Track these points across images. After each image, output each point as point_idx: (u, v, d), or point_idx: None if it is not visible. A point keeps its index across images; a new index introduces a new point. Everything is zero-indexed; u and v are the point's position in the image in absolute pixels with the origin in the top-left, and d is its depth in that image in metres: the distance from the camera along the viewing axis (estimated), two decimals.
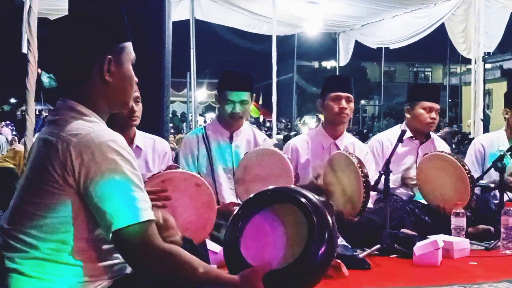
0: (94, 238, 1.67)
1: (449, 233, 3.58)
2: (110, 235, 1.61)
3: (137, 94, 3.14)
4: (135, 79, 1.82)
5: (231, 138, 3.85)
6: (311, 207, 1.99)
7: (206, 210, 2.85)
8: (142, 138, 3.42)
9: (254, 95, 3.86)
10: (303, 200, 2.02)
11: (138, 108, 3.17)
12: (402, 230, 3.64)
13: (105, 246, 1.70)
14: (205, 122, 20.63)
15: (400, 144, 3.48)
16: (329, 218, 1.99)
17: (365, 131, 17.77)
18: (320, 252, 1.89)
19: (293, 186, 2.23)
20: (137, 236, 1.60)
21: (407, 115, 4.35)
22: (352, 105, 3.99)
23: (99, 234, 1.67)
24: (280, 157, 3.45)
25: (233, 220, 2.14)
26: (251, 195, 2.22)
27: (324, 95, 4.04)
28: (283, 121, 28.04)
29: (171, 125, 18.79)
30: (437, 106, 4.27)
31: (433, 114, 4.24)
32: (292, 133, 16.12)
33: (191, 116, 16.04)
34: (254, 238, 2.05)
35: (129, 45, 1.79)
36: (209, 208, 2.86)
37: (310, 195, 2.07)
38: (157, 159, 3.45)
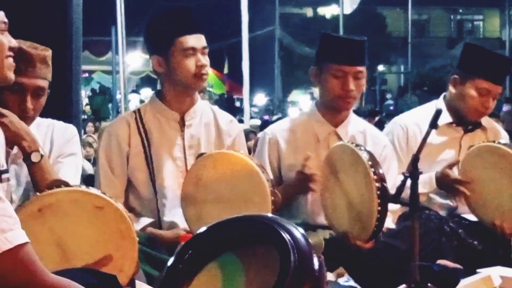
0: None
1: (510, 265, 3.61)
2: None
3: (40, 83, 3.17)
4: (14, 44, 1.81)
5: (182, 123, 3.82)
6: (291, 246, 1.98)
7: (120, 244, 2.81)
8: (38, 128, 3.41)
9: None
10: (284, 236, 2.01)
11: (36, 103, 3.21)
12: (439, 261, 3.66)
13: None
14: (141, 102, 20.57)
15: (433, 131, 3.49)
16: (315, 263, 1.99)
17: (383, 114, 17.87)
18: None
19: (269, 214, 2.22)
20: (5, 272, 1.60)
21: (451, 89, 4.36)
22: (363, 81, 3.98)
23: None
24: (252, 171, 3.42)
25: (171, 271, 2.12)
26: (202, 230, 2.20)
27: (321, 62, 4.00)
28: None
29: (88, 107, 18.73)
30: (498, 89, 4.28)
31: (489, 100, 4.26)
32: (275, 117, 16.15)
33: (120, 93, 15.95)
34: None
35: None
36: (125, 239, 2.82)
37: (294, 229, 2.06)
38: (57, 151, 3.44)
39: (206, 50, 3.74)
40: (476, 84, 4.23)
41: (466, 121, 4.36)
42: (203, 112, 3.87)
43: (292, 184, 3.86)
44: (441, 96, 4.47)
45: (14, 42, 2.40)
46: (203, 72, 3.71)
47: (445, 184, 4.11)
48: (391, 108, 25.41)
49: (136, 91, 27.84)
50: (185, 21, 3.76)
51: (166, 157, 3.75)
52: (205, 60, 3.72)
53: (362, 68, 3.94)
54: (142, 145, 3.75)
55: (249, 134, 8.72)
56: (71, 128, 3.54)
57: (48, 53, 3.21)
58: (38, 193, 2.80)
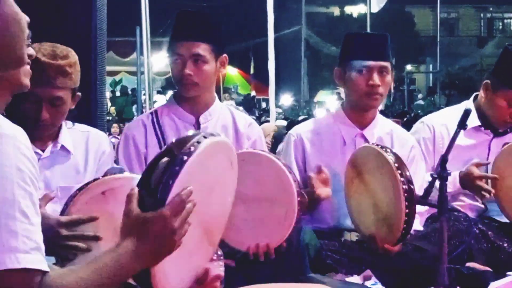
0: None
1: None
2: None
3: (56, 93, 3.14)
4: (32, 52, 1.87)
5: (197, 125, 3.84)
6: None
7: None
8: (71, 133, 3.44)
9: (225, 55, 3.81)
10: None
11: (55, 112, 3.19)
12: (469, 264, 3.65)
13: None
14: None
15: (462, 133, 3.48)
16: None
17: (412, 114, 17.77)
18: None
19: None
20: None
21: (482, 94, 4.33)
22: (388, 78, 3.97)
23: None
24: (279, 171, 3.41)
25: None
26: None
27: (344, 62, 4.01)
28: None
29: (112, 109, 18.72)
30: None
31: None
32: (301, 117, 16.13)
33: (144, 94, 16.01)
34: None
35: None
36: None
37: None
38: (92, 163, 3.45)
39: (203, 59, 3.71)
40: (508, 95, 4.17)
41: (494, 126, 4.34)
42: (221, 114, 3.89)
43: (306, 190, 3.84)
44: (472, 97, 4.44)
45: (32, 51, 2.41)
46: (187, 82, 3.72)
47: (469, 182, 4.08)
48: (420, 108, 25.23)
49: (161, 92, 27.86)
50: (181, 26, 3.78)
51: None
52: (190, 68, 3.70)
53: (387, 64, 3.94)
54: (159, 146, 3.75)
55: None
56: (104, 138, 3.57)
57: (69, 61, 3.14)
58: (101, 177, 2.84)
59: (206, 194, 2.37)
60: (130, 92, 23.72)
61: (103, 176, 2.87)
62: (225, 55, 3.81)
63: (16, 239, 1.62)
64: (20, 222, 1.63)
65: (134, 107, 20.69)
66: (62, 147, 3.36)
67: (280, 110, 25.09)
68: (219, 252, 2.98)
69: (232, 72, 27.53)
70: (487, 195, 4.06)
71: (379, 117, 4.13)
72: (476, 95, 4.40)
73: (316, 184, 3.71)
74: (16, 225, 1.62)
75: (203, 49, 3.71)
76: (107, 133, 13.24)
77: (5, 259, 1.60)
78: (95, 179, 2.86)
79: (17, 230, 1.62)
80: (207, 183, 2.40)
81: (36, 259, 1.64)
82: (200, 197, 2.17)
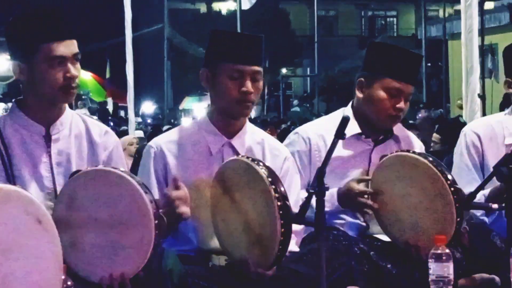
0: None
1: None
2: None
3: None
4: None
5: (47, 136, 3.77)
6: None
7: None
8: None
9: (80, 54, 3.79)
10: None
11: None
12: (349, 287, 3.69)
13: None
14: (6, 112, 20.25)
15: (340, 143, 3.53)
16: None
17: (288, 122, 17.99)
18: None
19: None
20: None
21: (358, 94, 4.41)
22: (261, 84, 3.99)
23: None
24: (133, 191, 3.38)
25: None
26: None
27: (213, 63, 4.00)
28: None
29: None
30: (409, 89, 4.35)
31: (401, 103, 4.31)
32: (165, 127, 16.10)
33: None
34: None
35: None
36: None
37: None
38: None
39: (78, 57, 3.69)
40: (384, 84, 4.27)
41: (376, 130, 4.41)
42: (73, 122, 3.83)
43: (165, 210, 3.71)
44: (349, 104, 4.51)
45: None
46: (73, 85, 3.68)
47: (350, 199, 4.11)
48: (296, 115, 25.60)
49: (2, 99, 27.34)
50: (53, 25, 3.69)
51: (31, 178, 3.68)
52: (75, 70, 3.67)
53: (260, 69, 3.96)
54: (3, 163, 3.66)
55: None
56: None
57: None
58: None
59: None
60: None
61: None
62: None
63: None
64: None
65: None
66: None
67: (140, 120, 25.00)
68: (69, 283, 2.96)
69: (84, 76, 27.09)
70: (370, 212, 4.13)
71: (249, 125, 4.13)
72: (353, 102, 4.48)
73: (176, 203, 3.68)
74: None
75: (77, 47, 3.69)
76: None
77: None
78: None
79: None
80: None
81: None
82: None
